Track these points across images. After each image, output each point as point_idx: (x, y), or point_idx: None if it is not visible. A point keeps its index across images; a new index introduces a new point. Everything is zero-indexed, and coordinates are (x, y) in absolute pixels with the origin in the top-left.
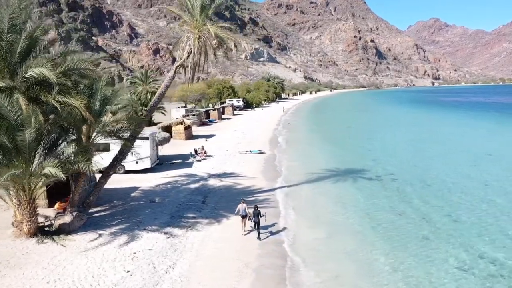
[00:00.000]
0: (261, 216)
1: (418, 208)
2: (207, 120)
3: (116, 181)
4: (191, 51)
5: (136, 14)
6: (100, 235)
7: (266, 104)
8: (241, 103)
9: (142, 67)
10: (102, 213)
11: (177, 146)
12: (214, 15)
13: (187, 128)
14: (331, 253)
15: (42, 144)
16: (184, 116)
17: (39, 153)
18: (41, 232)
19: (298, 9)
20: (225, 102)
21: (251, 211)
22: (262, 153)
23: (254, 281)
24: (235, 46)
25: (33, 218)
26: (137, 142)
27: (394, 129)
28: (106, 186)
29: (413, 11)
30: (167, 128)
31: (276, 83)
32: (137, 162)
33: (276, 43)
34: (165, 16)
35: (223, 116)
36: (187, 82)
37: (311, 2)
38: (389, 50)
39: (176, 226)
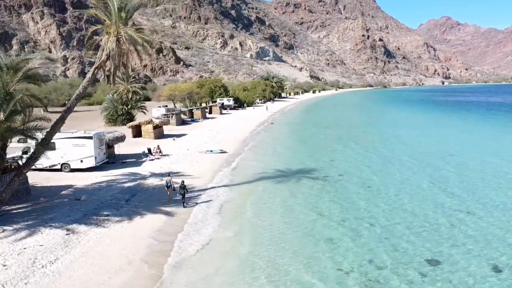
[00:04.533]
0: (186, 190)
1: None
2: (189, 119)
3: (55, 179)
4: (109, 53)
5: (141, 13)
6: (3, 230)
7: (261, 103)
8: (231, 102)
9: (145, 66)
10: (22, 210)
11: (142, 145)
12: (220, 15)
13: (156, 127)
14: (218, 252)
15: None
16: (163, 115)
17: None
18: None
19: (306, 7)
20: (216, 101)
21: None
22: (224, 152)
23: (128, 279)
24: (244, 45)
25: None
26: (82, 141)
27: (368, 129)
28: (43, 183)
29: (424, 9)
30: (137, 127)
31: (275, 82)
32: (81, 161)
33: (283, 42)
34: (170, 16)
35: (210, 115)
36: (108, 84)
37: (320, 1)
38: (398, 49)
39: (83, 223)
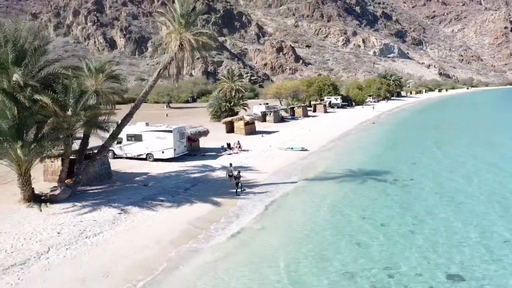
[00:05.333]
0: (239, 180)
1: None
2: (290, 117)
3: (136, 167)
4: (174, 56)
5: (266, 13)
6: (74, 205)
7: (373, 102)
8: (339, 101)
9: (265, 65)
10: (97, 190)
11: (232, 140)
12: (343, 11)
13: (247, 124)
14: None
15: (23, 132)
16: (262, 113)
17: (23, 139)
18: (35, 199)
19: (439, 0)
20: (324, 99)
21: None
22: (305, 150)
23: (148, 256)
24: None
25: (26, 188)
26: (164, 134)
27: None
28: (126, 170)
29: None
30: (230, 123)
31: (393, 80)
32: (163, 152)
33: (411, 37)
34: (293, 15)
35: (313, 114)
36: (172, 83)
37: None
38: None
39: (138, 205)
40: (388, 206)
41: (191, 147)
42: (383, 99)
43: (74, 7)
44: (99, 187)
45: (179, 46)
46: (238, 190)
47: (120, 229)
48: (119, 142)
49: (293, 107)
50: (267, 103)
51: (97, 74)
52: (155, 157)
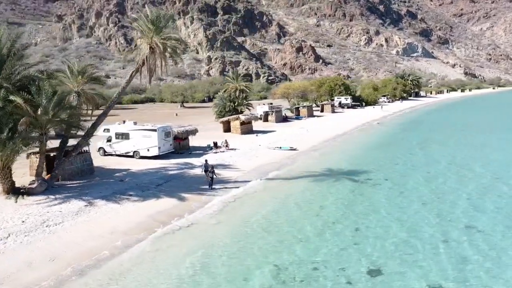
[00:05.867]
0: (214, 174)
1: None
2: (294, 117)
3: (121, 163)
4: (146, 58)
5: (288, 13)
6: (47, 198)
7: (387, 102)
8: (349, 101)
9: (284, 64)
10: (74, 185)
11: (223, 139)
12: (366, 10)
13: (243, 123)
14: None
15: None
16: (264, 113)
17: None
18: (14, 191)
19: None
20: (334, 99)
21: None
22: (293, 150)
23: (98, 244)
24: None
25: (5, 181)
26: (149, 133)
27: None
28: (111, 166)
29: None
30: (228, 123)
31: (410, 80)
32: (148, 150)
33: (437, 36)
34: (315, 14)
35: (319, 114)
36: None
37: None
38: None
39: (106, 199)
40: (350, 205)
41: (180, 146)
42: (399, 99)
43: (96, 9)
44: (78, 182)
45: (149, 49)
46: (211, 185)
47: (81, 220)
48: (109, 140)
49: (298, 107)
50: (271, 103)
51: (78, 77)
52: (141, 154)
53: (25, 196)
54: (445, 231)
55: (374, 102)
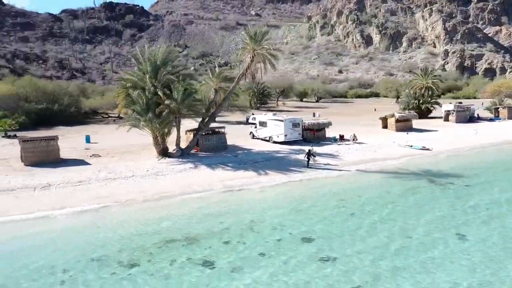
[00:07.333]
0: (314, 157)
1: None
2: (489, 118)
3: (251, 144)
4: (248, 66)
5: None
6: (177, 160)
7: None
8: None
9: None
10: (203, 155)
11: (380, 134)
12: None
13: (398, 121)
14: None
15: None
16: (449, 111)
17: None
18: (163, 154)
19: None
20: None
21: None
22: (426, 149)
23: (162, 191)
24: None
25: (157, 146)
26: (278, 123)
27: None
28: (244, 145)
29: None
30: (385, 120)
31: None
32: (278, 137)
33: None
34: None
35: None
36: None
37: None
38: None
39: (209, 166)
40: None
41: (314, 136)
42: None
43: (338, 8)
44: (208, 153)
45: (251, 57)
46: (308, 163)
47: (178, 176)
48: (255, 127)
49: (498, 108)
50: (460, 102)
51: (217, 78)
52: (274, 140)
53: (166, 158)
54: None
55: None
